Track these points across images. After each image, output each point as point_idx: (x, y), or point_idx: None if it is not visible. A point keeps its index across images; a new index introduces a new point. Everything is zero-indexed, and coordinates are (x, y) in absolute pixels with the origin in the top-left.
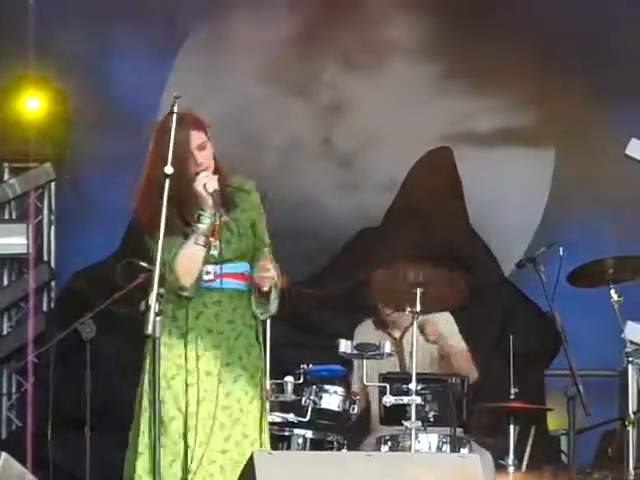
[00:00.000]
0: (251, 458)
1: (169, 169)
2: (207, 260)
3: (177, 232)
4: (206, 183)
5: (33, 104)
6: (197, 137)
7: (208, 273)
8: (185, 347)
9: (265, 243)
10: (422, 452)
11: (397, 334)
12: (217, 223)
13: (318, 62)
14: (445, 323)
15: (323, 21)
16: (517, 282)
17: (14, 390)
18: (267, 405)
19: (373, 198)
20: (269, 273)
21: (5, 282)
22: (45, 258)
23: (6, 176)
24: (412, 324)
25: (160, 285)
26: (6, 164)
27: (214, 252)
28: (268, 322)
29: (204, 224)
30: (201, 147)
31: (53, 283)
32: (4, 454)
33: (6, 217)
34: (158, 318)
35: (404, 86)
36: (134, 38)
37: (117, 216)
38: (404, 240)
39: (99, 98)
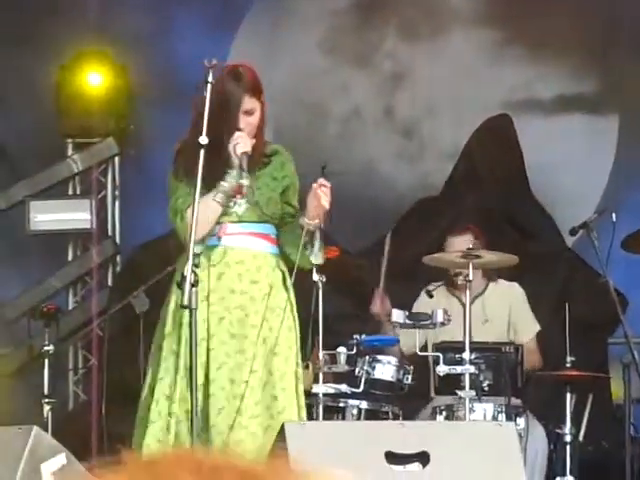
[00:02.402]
0: (282, 429)
1: (204, 139)
2: (230, 219)
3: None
4: (237, 144)
5: (95, 79)
6: (248, 103)
7: (230, 232)
8: (207, 309)
9: (296, 209)
10: (458, 421)
11: (465, 300)
12: (242, 184)
13: (378, 32)
14: (513, 294)
15: None
16: (582, 251)
17: (80, 365)
18: (301, 368)
19: (435, 167)
20: (327, 190)
21: (70, 257)
22: (109, 233)
23: (69, 152)
24: (467, 292)
25: (196, 256)
26: (69, 140)
27: (237, 209)
28: (320, 292)
29: (226, 182)
30: (248, 113)
31: (118, 258)
32: (35, 427)
33: (70, 193)
34: (194, 289)
35: (464, 54)
36: (196, 11)
37: None
38: (463, 209)
39: (161, 73)
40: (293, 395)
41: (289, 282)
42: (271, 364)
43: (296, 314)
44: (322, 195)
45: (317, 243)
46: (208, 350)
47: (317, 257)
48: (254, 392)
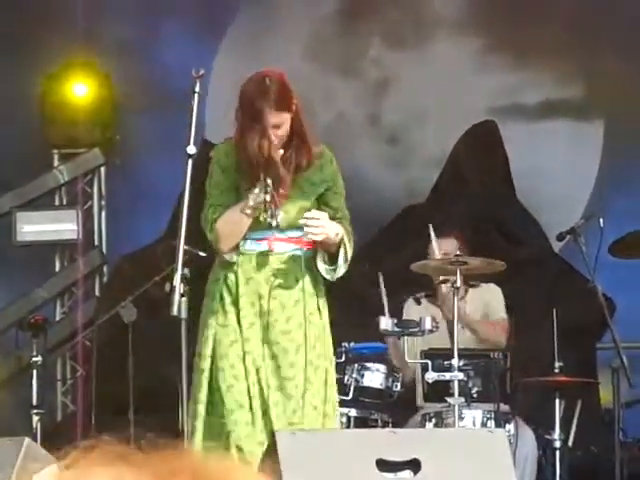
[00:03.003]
0: (273, 438)
1: (191, 149)
2: (262, 226)
3: (233, 192)
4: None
5: (81, 90)
6: (274, 117)
7: (259, 239)
8: (238, 314)
9: (337, 211)
10: (449, 428)
11: (447, 312)
12: (265, 199)
13: (363, 39)
14: (488, 292)
15: None
16: (569, 256)
17: (69, 375)
18: (332, 376)
19: (421, 173)
20: (317, 222)
21: (57, 268)
22: (96, 243)
23: (55, 162)
24: (454, 299)
25: (185, 265)
26: (55, 150)
27: (271, 221)
28: None
29: (254, 194)
30: (275, 127)
31: (105, 268)
32: (27, 439)
33: (56, 203)
34: (183, 299)
35: (449, 61)
36: (180, 21)
37: (167, 199)
38: (450, 215)
39: (146, 82)
40: (322, 405)
41: (321, 285)
42: (307, 373)
43: (326, 321)
44: (309, 233)
45: (340, 258)
46: (244, 353)
47: (338, 272)
48: (291, 400)
